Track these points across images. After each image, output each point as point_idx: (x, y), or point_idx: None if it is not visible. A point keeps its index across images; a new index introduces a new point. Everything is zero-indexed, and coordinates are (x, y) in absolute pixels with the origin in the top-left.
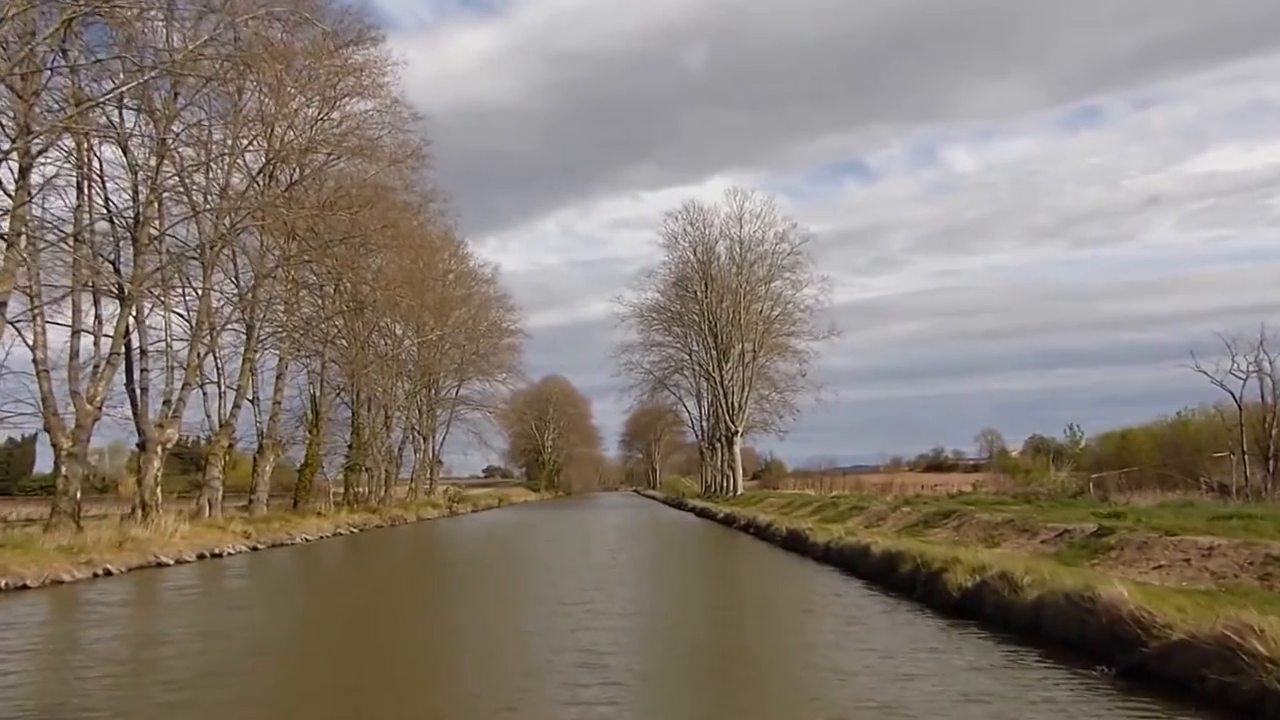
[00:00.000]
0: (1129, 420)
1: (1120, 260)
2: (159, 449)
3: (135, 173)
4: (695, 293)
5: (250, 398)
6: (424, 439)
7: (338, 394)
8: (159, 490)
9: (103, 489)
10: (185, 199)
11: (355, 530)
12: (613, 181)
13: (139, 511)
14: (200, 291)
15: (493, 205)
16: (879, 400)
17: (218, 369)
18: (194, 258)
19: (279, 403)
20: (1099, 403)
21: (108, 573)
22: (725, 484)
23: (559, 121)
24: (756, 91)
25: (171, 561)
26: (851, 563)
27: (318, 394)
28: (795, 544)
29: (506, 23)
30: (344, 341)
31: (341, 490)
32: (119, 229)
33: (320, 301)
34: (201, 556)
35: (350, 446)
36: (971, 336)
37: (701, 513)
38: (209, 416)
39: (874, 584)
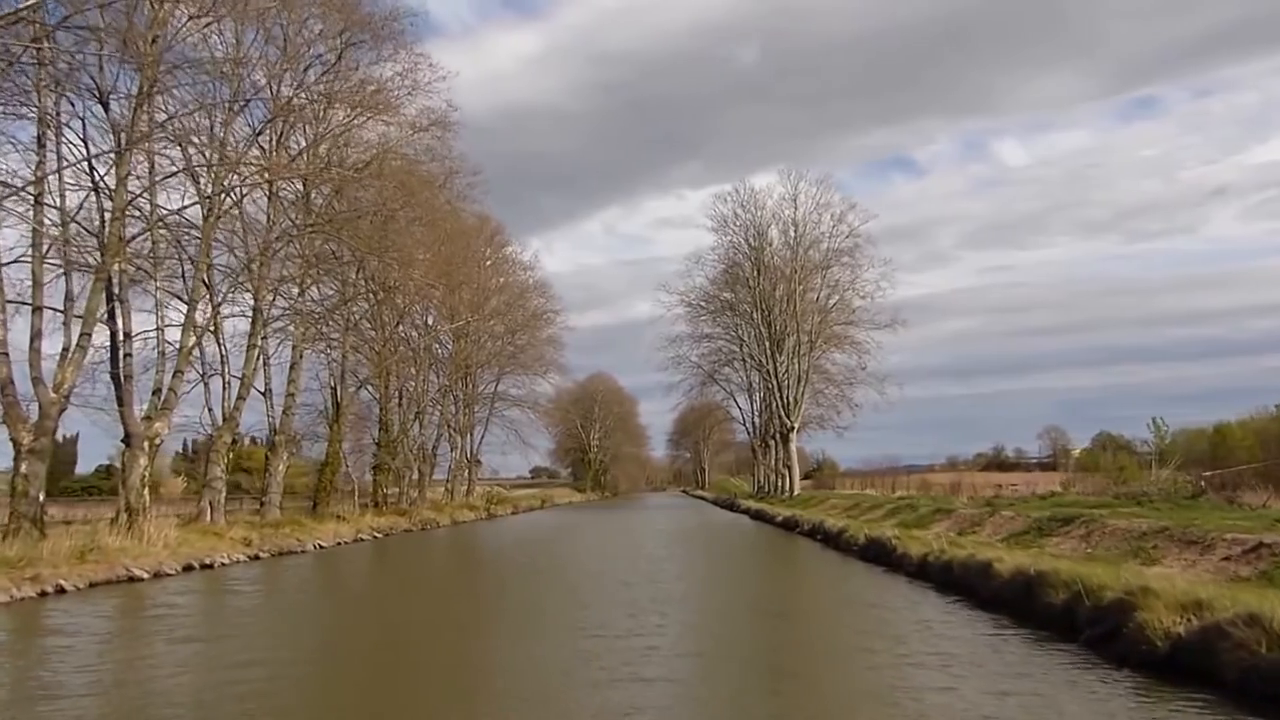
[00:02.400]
0: (1194, 417)
1: (1178, 254)
2: (145, 445)
3: (117, 132)
4: (747, 280)
5: (262, 389)
6: (460, 435)
7: (361, 387)
8: (146, 492)
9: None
10: (180, 158)
11: (379, 535)
12: (657, 180)
13: (123, 516)
14: (196, 265)
15: (537, 206)
16: (929, 399)
17: (222, 357)
18: (190, 227)
19: (293, 395)
20: (1160, 400)
21: (60, 590)
22: (779, 484)
23: (602, 121)
24: (802, 88)
25: (146, 575)
26: (963, 584)
27: (338, 386)
28: (878, 555)
29: (549, 24)
30: (370, 329)
31: (371, 491)
32: (102, 195)
33: (340, 285)
34: (189, 568)
35: (378, 444)
36: (1025, 333)
37: (757, 515)
38: (210, 410)
39: (1001, 614)
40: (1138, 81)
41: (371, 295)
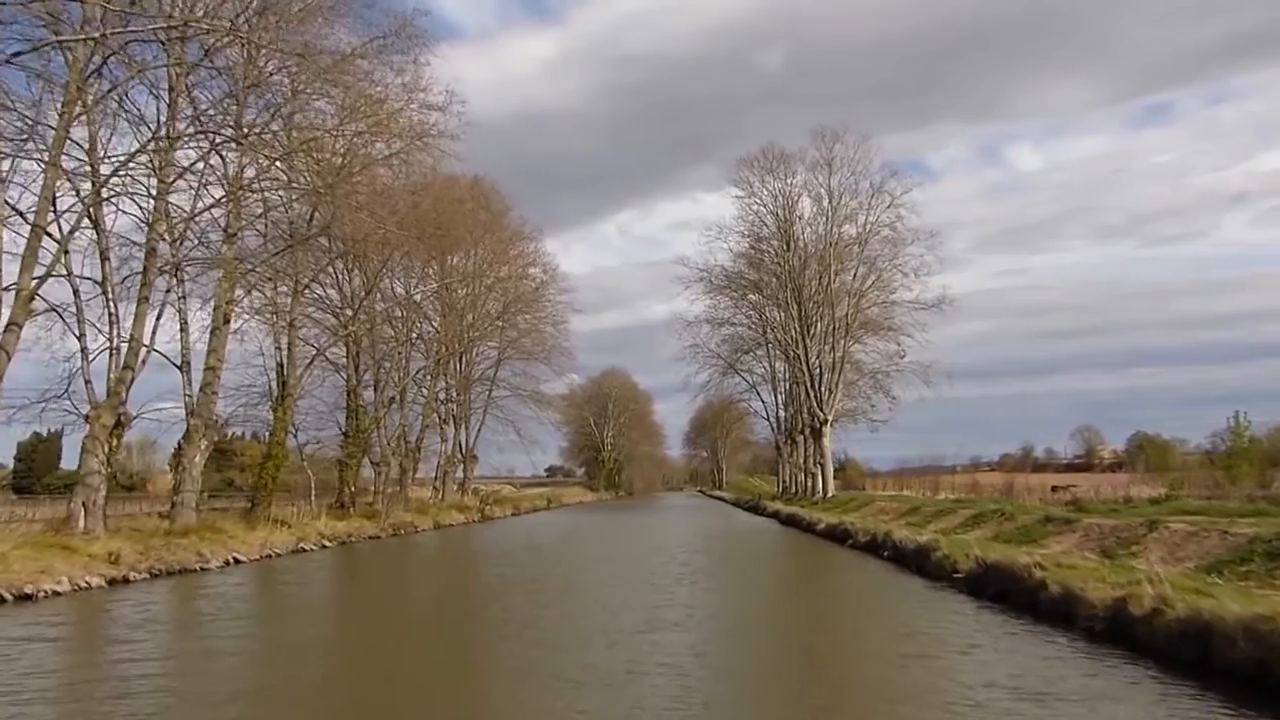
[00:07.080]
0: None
1: (1193, 258)
2: None
3: None
4: (775, 255)
5: (178, 363)
6: (453, 427)
7: (312, 362)
8: None
9: (130, 487)
10: None
11: (330, 544)
12: (672, 183)
13: None
14: (49, 160)
15: (553, 208)
16: (945, 400)
17: (111, 316)
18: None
19: (214, 369)
20: (1182, 403)
21: None
22: (808, 484)
23: (619, 124)
24: (817, 92)
25: None
26: (1247, 670)
27: (284, 361)
28: (1005, 593)
29: (567, 28)
30: (333, 293)
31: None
32: None
33: (288, 234)
34: None
35: (345, 435)
36: (1042, 336)
37: (788, 520)
38: (88, 383)
39: None
40: (1151, 88)
41: (331, 249)
